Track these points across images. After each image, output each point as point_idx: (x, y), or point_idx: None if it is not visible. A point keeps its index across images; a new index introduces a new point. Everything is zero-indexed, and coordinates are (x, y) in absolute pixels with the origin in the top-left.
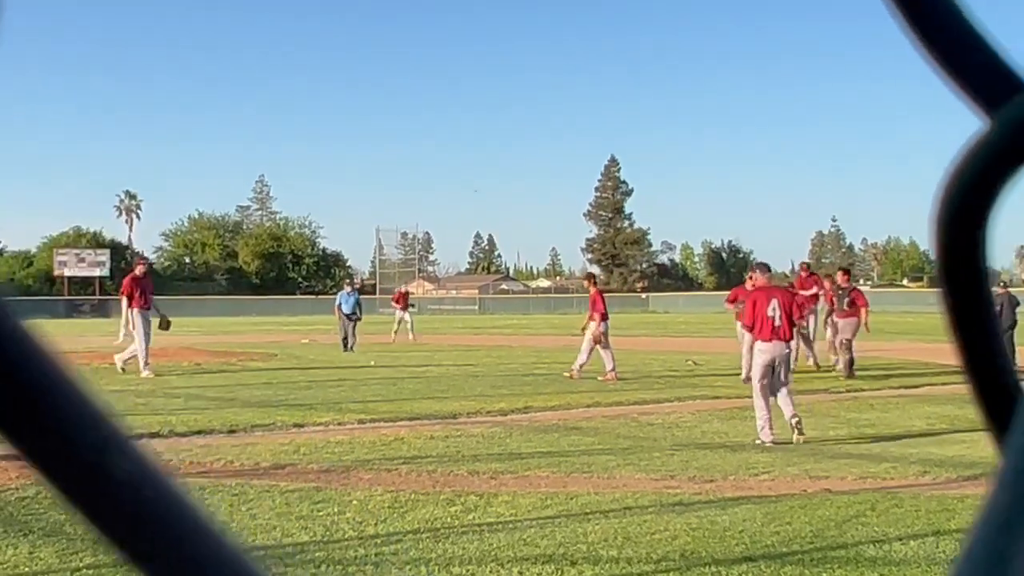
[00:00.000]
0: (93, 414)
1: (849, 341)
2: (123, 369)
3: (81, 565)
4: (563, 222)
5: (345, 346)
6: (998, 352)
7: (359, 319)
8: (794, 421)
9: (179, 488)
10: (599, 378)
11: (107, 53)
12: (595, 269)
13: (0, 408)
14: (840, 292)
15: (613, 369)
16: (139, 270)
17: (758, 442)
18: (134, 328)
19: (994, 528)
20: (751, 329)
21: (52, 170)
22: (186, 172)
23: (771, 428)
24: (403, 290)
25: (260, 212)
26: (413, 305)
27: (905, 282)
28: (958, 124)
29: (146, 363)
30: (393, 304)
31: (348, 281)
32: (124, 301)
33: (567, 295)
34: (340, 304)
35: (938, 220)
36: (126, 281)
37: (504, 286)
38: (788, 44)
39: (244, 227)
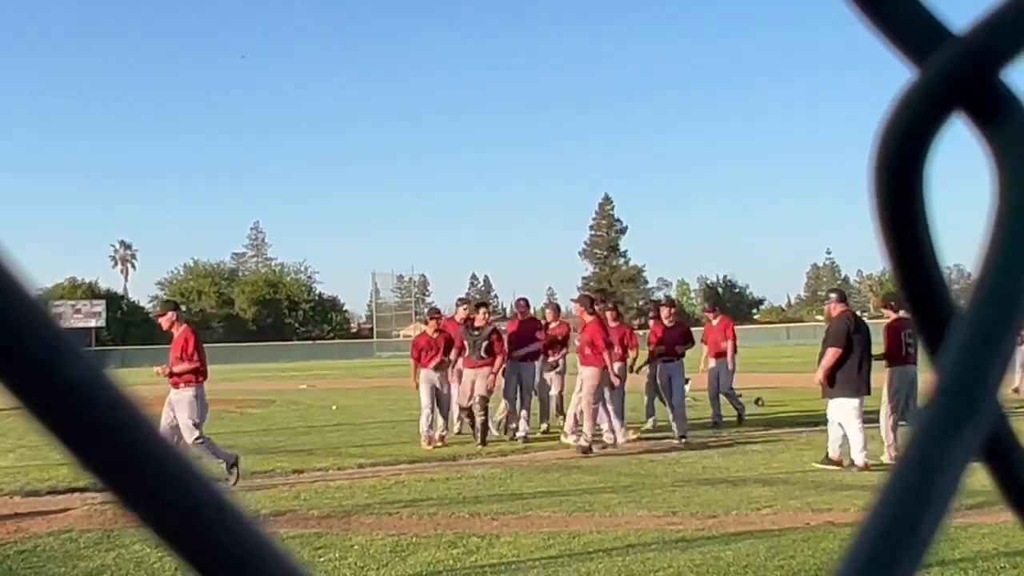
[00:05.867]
0: (45, 318)
1: (483, 398)
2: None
3: None
4: (558, 261)
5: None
6: (935, 283)
7: None
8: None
9: (131, 396)
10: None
11: (99, 104)
12: None
13: None
14: (474, 335)
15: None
16: (459, 315)
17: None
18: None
19: (926, 437)
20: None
21: (47, 222)
22: (181, 220)
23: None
24: None
25: (255, 259)
26: None
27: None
28: (954, 152)
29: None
30: None
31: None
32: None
33: None
34: None
35: (876, 167)
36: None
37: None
38: (778, 77)
39: (240, 274)
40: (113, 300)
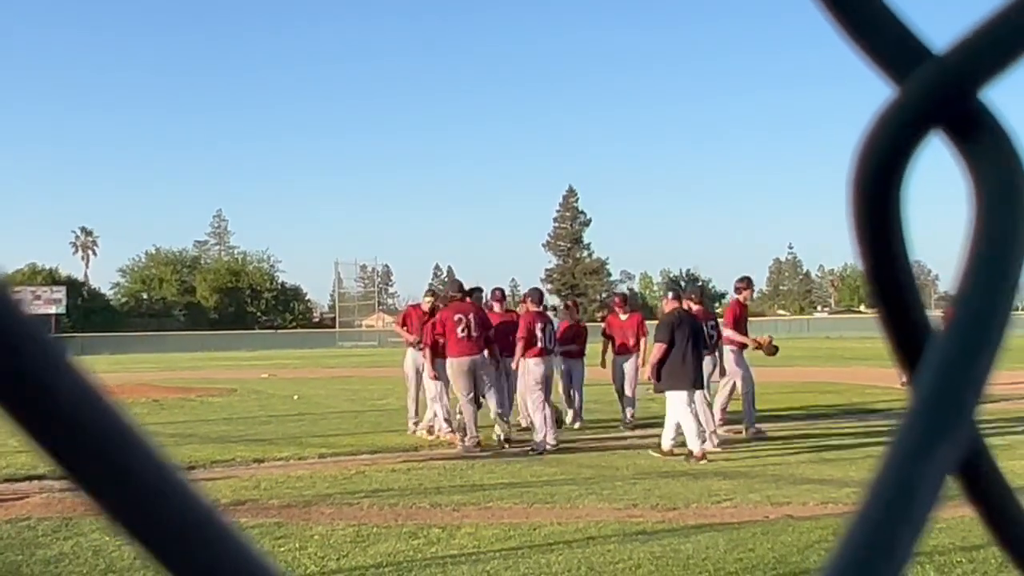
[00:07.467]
0: (37, 332)
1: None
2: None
3: None
4: (522, 253)
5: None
6: (911, 302)
7: None
8: None
9: (119, 408)
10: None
11: (60, 87)
12: (555, 300)
13: None
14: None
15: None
16: (424, 305)
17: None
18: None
19: (902, 455)
20: None
21: (6, 208)
22: (143, 207)
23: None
24: None
25: (218, 247)
26: None
27: (862, 308)
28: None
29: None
30: None
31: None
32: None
33: None
34: None
35: (854, 183)
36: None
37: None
38: (743, 72)
39: (202, 262)
40: (74, 287)
